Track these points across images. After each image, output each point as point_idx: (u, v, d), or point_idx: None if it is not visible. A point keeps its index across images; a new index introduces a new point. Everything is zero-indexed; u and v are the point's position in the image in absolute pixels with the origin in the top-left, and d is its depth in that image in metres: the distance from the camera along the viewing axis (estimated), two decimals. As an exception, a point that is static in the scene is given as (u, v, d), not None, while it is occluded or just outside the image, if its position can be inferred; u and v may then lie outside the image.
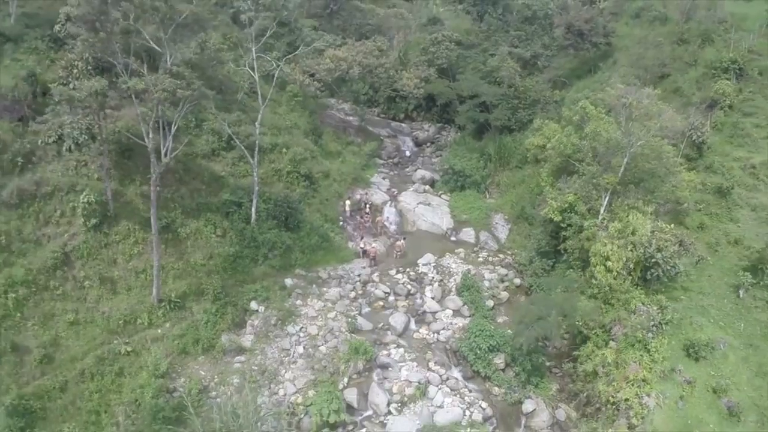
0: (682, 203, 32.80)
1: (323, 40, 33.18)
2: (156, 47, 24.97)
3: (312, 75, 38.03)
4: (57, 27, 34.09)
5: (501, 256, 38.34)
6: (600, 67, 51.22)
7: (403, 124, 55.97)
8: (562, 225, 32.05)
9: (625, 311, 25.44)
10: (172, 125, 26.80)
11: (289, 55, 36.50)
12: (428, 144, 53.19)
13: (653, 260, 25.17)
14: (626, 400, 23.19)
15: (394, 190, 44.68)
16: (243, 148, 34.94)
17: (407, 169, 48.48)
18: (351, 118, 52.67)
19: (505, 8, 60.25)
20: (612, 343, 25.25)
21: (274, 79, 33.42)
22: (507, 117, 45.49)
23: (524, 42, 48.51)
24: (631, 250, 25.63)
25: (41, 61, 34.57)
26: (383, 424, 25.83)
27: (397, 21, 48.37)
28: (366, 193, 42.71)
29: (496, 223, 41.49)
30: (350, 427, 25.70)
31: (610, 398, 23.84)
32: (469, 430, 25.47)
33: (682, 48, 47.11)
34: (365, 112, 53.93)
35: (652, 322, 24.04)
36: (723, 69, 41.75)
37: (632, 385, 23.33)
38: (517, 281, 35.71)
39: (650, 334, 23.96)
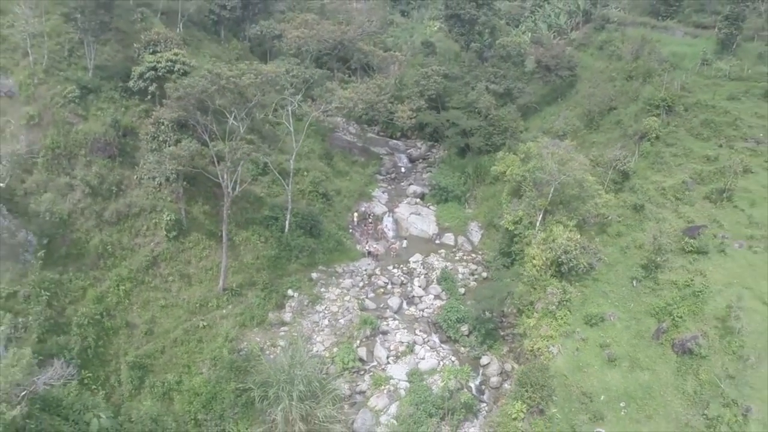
0: (606, 217, 49.65)
1: (339, 101, 49.98)
2: (233, 121, 41.74)
3: (325, 111, 54.95)
4: (131, 83, 50.12)
5: (473, 255, 55.59)
6: (560, 100, 67.86)
7: (399, 142, 73.06)
8: (515, 233, 49.00)
9: (543, 293, 42.57)
10: (238, 168, 43.67)
11: (306, 92, 53.05)
12: (420, 160, 70.15)
13: (560, 259, 42.20)
14: (539, 348, 40.40)
15: (398, 204, 61.05)
16: (277, 174, 51.90)
17: (402, 184, 65.54)
18: (355, 139, 69.52)
19: (491, 33, 76.81)
20: (535, 314, 42.43)
21: (306, 125, 50.46)
22: (483, 142, 62.30)
23: (499, 77, 65.10)
24: (549, 252, 42.67)
25: (117, 109, 49.10)
26: (384, 370, 42.99)
27: (393, 58, 64.84)
28: (369, 206, 59.77)
29: (472, 229, 58.60)
30: (362, 372, 42.88)
31: (530, 348, 41.06)
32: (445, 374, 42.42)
33: (629, 84, 63.43)
34: (366, 132, 70.65)
35: (557, 300, 41.20)
36: (655, 105, 57.37)
37: (543, 339, 40.52)
38: (484, 274, 52.96)
39: (555, 308, 41.07)
